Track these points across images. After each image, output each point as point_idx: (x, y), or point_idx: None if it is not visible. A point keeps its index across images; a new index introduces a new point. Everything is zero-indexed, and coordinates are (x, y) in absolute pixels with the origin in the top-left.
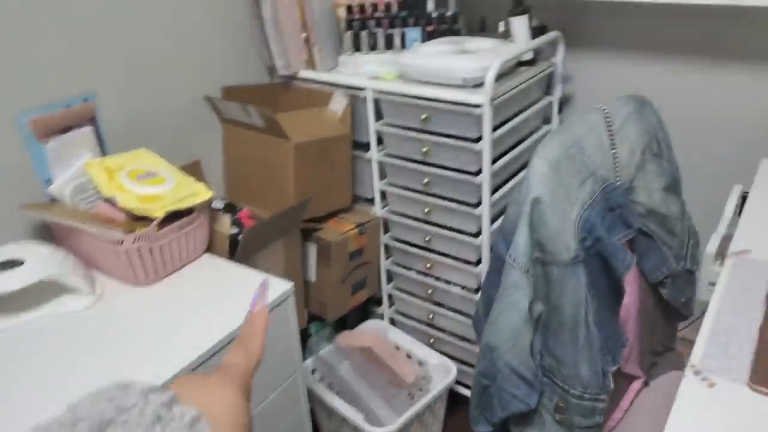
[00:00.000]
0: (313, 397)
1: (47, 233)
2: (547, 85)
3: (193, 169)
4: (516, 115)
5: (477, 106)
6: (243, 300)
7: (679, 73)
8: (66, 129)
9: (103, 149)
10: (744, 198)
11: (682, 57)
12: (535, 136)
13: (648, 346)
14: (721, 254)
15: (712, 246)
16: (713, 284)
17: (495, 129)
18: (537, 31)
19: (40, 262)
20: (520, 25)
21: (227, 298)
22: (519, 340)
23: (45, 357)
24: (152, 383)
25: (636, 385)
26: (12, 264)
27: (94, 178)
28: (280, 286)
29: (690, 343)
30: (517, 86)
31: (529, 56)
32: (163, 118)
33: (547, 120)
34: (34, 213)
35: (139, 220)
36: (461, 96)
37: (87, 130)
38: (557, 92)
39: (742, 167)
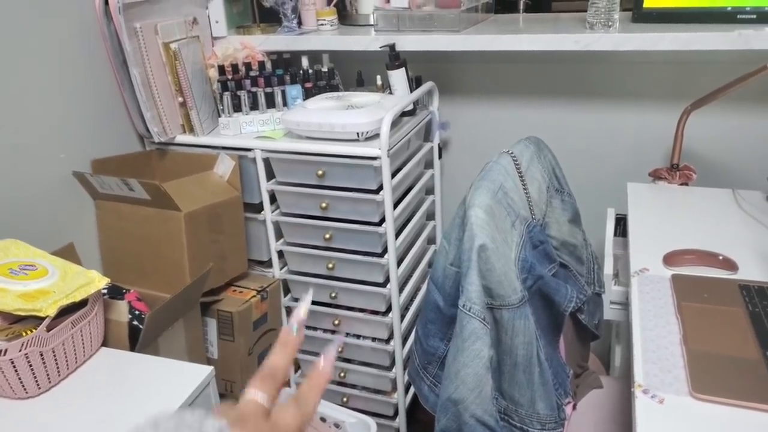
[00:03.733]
0: None
1: None
2: (426, 132)
3: (67, 254)
4: (405, 163)
5: (375, 158)
6: (155, 389)
7: (544, 112)
8: None
9: None
10: (618, 220)
11: (545, 98)
12: (421, 182)
13: (572, 370)
14: (615, 274)
15: (608, 268)
16: (615, 303)
17: (393, 175)
18: (413, 82)
19: None
20: (399, 77)
21: (139, 396)
22: (483, 389)
23: None
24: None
25: (568, 409)
26: None
27: None
28: (198, 373)
29: (598, 360)
30: (405, 135)
31: (409, 107)
32: (28, 202)
33: (428, 165)
34: None
35: (17, 321)
36: (358, 150)
37: None
38: (436, 138)
39: (611, 191)
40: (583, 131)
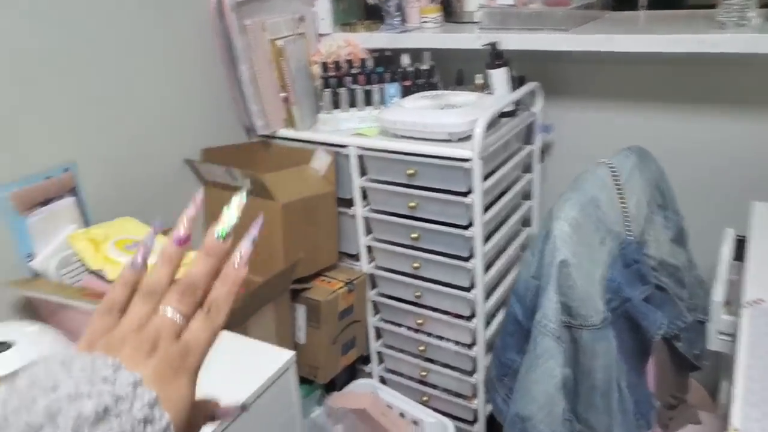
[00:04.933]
0: None
1: (29, 310)
2: (527, 135)
3: None
4: (500, 166)
5: (466, 160)
6: (238, 368)
7: (659, 119)
8: (47, 201)
9: (86, 220)
10: (739, 242)
11: (662, 103)
12: (517, 186)
13: (664, 401)
14: (727, 302)
15: (718, 294)
16: (723, 334)
17: (485, 178)
18: (515, 82)
19: (31, 343)
20: (500, 77)
21: (224, 371)
22: (553, 408)
23: None
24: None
25: None
26: (0, 347)
27: (79, 250)
28: (280, 357)
29: (707, 394)
30: (503, 138)
31: (510, 108)
32: (145, 184)
33: (527, 169)
34: (17, 290)
35: None
36: (450, 151)
37: (69, 201)
38: (538, 142)
39: (732, 211)
40: (703, 142)
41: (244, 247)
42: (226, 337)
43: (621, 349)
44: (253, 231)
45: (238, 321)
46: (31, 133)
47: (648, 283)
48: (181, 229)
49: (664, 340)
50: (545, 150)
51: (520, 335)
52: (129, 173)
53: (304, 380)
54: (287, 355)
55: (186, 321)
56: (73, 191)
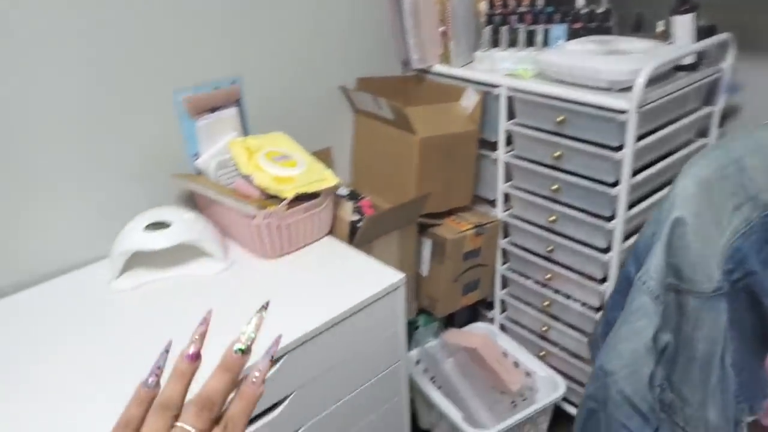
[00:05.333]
0: (414, 388)
1: (191, 202)
2: (709, 93)
3: (324, 156)
4: (666, 125)
5: (622, 111)
6: (357, 282)
7: None
8: (214, 109)
9: (245, 129)
10: None
11: None
12: (686, 150)
13: None
14: None
15: None
16: None
17: (640, 138)
18: (703, 32)
19: (184, 226)
20: (683, 24)
21: (344, 278)
22: (638, 369)
23: (179, 310)
24: None
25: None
26: (160, 225)
27: (235, 156)
28: (392, 276)
29: None
30: (671, 93)
31: (690, 60)
32: (301, 104)
33: (703, 133)
34: (182, 183)
35: (270, 198)
36: (606, 100)
37: (233, 111)
38: (720, 103)
39: None
40: None
41: (262, 364)
42: (350, 252)
43: (735, 326)
44: (272, 348)
45: (364, 241)
46: (207, 46)
47: None
48: (192, 347)
49: None
50: (728, 113)
51: (628, 294)
52: (287, 93)
53: (424, 311)
54: (397, 276)
55: None
56: (237, 102)
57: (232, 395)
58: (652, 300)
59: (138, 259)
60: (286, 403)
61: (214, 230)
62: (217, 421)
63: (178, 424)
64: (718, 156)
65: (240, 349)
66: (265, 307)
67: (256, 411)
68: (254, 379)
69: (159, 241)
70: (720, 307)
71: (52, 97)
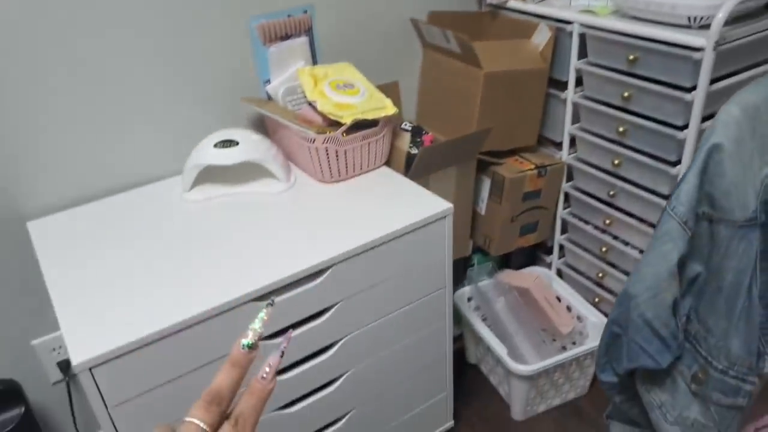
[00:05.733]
0: (465, 323)
1: (259, 125)
2: None
3: (391, 90)
4: (750, 68)
5: (697, 49)
6: (407, 209)
7: None
8: (286, 37)
9: (313, 58)
10: None
11: None
12: None
13: None
14: None
15: None
16: None
17: (715, 81)
18: None
19: (251, 146)
20: None
21: (395, 204)
22: (660, 293)
23: (242, 221)
24: None
25: None
26: (229, 144)
27: (303, 83)
28: (439, 206)
29: None
30: (756, 33)
31: None
32: (371, 36)
33: None
34: (251, 106)
35: (332, 125)
36: (680, 36)
37: (303, 40)
38: None
39: None
40: None
41: (272, 360)
42: (404, 182)
43: (767, 258)
44: (283, 344)
45: (419, 172)
46: None
47: None
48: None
49: None
50: None
51: None
52: (358, 24)
53: (480, 250)
54: (444, 205)
55: (212, 430)
56: (308, 31)
57: (242, 390)
58: (680, 225)
59: (208, 176)
60: (331, 311)
61: (278, 152)
62: (227, 416)
63: (187, 419)
64: None
65: (247, 345)
66: (271, 303)
67: (304, 315)
68: (264, 375)
69: (227, 157)
70: (752, 237)
71: (138, 26)
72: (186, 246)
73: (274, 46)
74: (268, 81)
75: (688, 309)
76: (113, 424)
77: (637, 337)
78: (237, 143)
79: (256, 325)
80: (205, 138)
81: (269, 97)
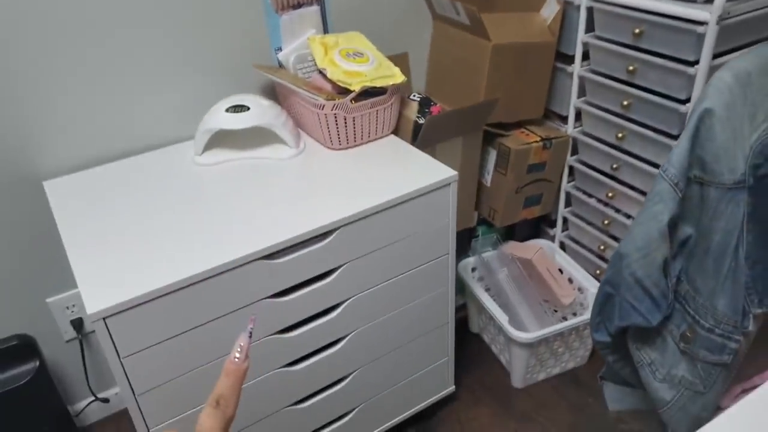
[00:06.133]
0: (468, 293)
1: (270, 91)
2: None
3: (401, 61)
4: (752, 43)
5: (701, 23)
6: (412, 175)
7: None
8: (298, 5)
9: (324, 27)
10: None
11: None
12: None
13: None
14: None
15: None
16: None
17: (718, 56)
18: None
19: (262, 111)
20: None
21: (401, 171)
22: (650, 253)
23: (251, 185)
24: None
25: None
26: (240, 108)
27: (313, 51)
28: (444, 173)
29: None
30: (761, 8)
31: None
32: (382, 7)
33: None
34: (262, 72)
35: (341, 93)
36: (684, 11)
37: (315, 9)
38: None
39: None
40: None
41: (242, 340)
42: (411, 150)
43: (754, 220)
44: (250, 326)
45: (426, 141)
46: None
47: None
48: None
49: None
50: None
51: None
52: None
53: (485, 222)
54: (449, 172)
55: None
56: (319, 1)
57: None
58: (671, 187)
59: (221, 141)
60: (337, 273)
61: (288, 119)
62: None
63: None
64: (766, 52)
65: (237, 357)
66: (252, 320)
67: (310, 275)
68: (237, 356)
69: (238, 122)
70: (739, 199)
71: None
72: (197, 207)
73: (286, 14)
74: (280, 48)
75: (678, 270)
76: (125, 373)
77: (629, 296)
78: (248, 108)
79: (243, 340)
80: (217, 103)
81: (280, 65)
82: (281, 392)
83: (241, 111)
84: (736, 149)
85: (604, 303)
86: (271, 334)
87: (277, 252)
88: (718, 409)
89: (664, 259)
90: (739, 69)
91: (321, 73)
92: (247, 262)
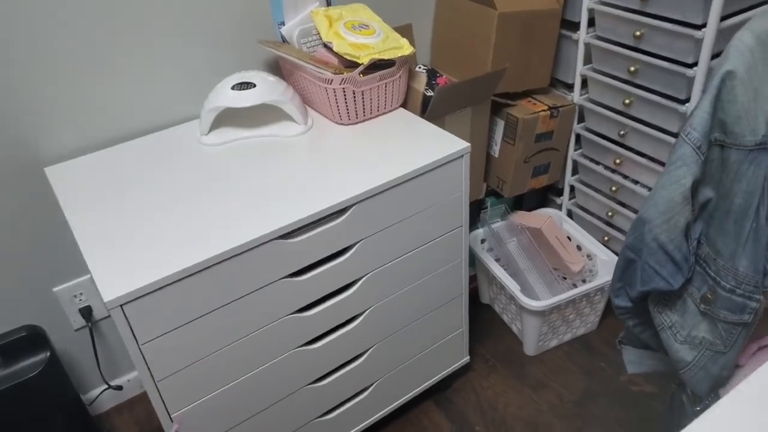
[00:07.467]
0: (478, 264)
1: (275, 68)
2: None
3: (405, 33)
4: (759, 4)
5: None
6: (425, 149)
7: None
8: None
9: (327, 0)
10: None
11: None
12: None
13: None
14: None
15: None
16: None
17: (725, 18)
18: None
19: (268, 87)
20: None
21: (413, 145)
22: (673, 217)
23: (260, 163)
24: None
25: None
26: (246, 85)
27: (317, 24)
28: (457, 145)
29: None
30: None
31: None
32: None
33: None
34: (266, 47)
35: (348, 66)
36: None
37: None
38: None
39: None
40: None
41: None
42: (421, 123)
43: None
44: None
45: (435, 113)
46: None
47: None
48: None
49: None
50: None
51: None
52: None
53: (494, 193)
54: (461, 144)
55: None
56: None
57: None
58: (694, 150)
59: (226, 120)
60: (353, 250)
61: (295, 95)
62: None
63: None
64: None
65: None
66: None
67: (327, 253)
68: None
69: (244, 99)
70: (762, 161)
71: None
72: (206, 188)
73: None
74: (282, 23)
75: (698, 233)
76: (145, 360)
77: (651, 261)
78: (254, 85)
79: None
80: (221, 81)
81: (284, 40)
82: (300, 371)
83: (247, 88)
84: (757, 111)
85: (625, 269)
86: (290, 314)
87: (292, 231)
88: (736, 367)
89: (686, 223)
90: (759, 29)
91: (326, 46)
92: (262, 243)
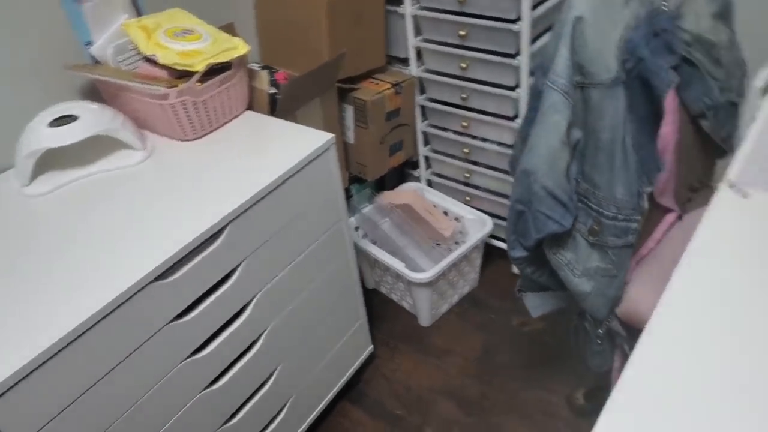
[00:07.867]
0: (357, 252)
1: (93, 94)
2: None
3: (228, 32)
4: None
5: None
6: (286, 149)
7: None
8: None
9: (137, 10)
10: None
11: None
12: None
13: (685, 181)
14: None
15: (759, 80)
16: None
17: None
18: None
19: (93, 117)
20: None
21: (272, 147)
22: (556, 162)
23: (103, 205)
24: None
25: (670, 217)
26: (66, 119)
27: (133, 37)
28: (321, 137)
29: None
30: None
31: None
32: None
33: None
34: (78, 73)
35: (180, 77)
36: None
37: None
38: None
39: None
40: None
41: None
42: (274, 122)
43: (632, 110)
44: None
45: (286, 110)
46: None
47: (675, 53)
48: None
49: (691, 121)
50: None
51: None
52: None
53: (356, 179)
54: (326, 136)
55: None
56: None
57: None
58: (563, 95)
59: (51, 162)
60: (237, 273)
61: (126, 119)
62: None
63: None
64: None
65: None
66: None
67: (210, 283)
68: None
69: (66, 135)
70: (618, 94)
71: None
72: (42, 249)
73: (88, 2)
74: (90, 43)
75: (576, 173)
76: None
77: (542, 208)
78: (75, 118)
79: None
80: (34, 118)
81: (96, 61)
82: (210, 413)
83: (67, 123)
84: (606, 49)
85: (516, 221)
86: (185, 359)
87: (167, 270)
88: (624, 285)
89: (566, 165)
90: None
91: (149, 60)
92: (136, 292)
